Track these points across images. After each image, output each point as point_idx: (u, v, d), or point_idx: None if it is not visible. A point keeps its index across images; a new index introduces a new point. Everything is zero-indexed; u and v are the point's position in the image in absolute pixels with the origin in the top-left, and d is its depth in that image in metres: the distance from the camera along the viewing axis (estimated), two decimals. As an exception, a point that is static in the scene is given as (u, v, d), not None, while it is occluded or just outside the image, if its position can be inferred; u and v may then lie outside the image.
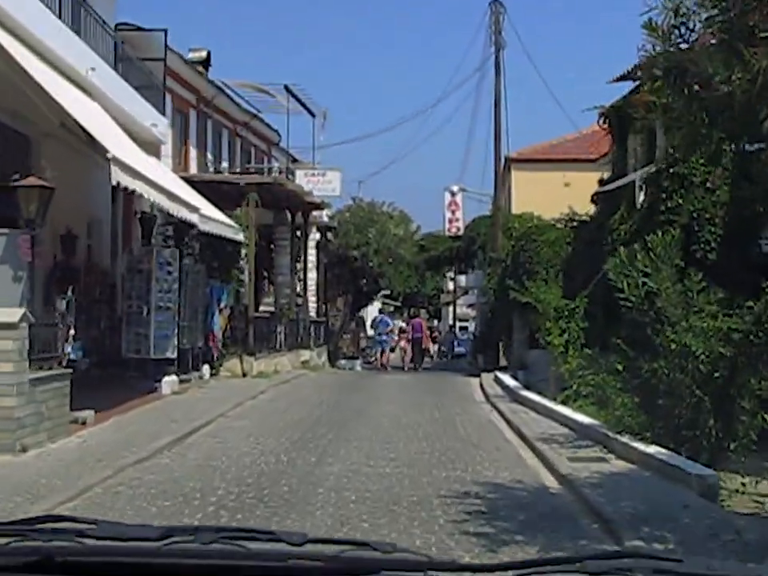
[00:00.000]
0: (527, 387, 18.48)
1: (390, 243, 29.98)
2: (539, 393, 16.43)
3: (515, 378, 20.75)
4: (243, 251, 20.05)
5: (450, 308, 72.64)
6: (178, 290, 16.93)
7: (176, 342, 16.29)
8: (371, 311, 47.67)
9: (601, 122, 22.03)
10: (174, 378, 15.83)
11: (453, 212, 37.32)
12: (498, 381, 19.33)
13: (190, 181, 19.27)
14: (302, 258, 26.78)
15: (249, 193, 19.99)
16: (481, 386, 19.62)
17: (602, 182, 21.30)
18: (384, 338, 32.59)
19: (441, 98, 54.62)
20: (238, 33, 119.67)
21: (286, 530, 2.14)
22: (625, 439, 9.58)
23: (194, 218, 14.89)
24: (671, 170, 13.01)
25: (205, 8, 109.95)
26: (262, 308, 26.10)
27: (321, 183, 26.32)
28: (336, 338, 31.53)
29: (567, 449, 10.13)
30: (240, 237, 19.07)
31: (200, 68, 26.03)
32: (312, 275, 28.31)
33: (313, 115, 29.90)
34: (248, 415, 13.24)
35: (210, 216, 16.71)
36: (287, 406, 14.68)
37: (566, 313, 14.96)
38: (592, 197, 20.12)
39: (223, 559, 1.66)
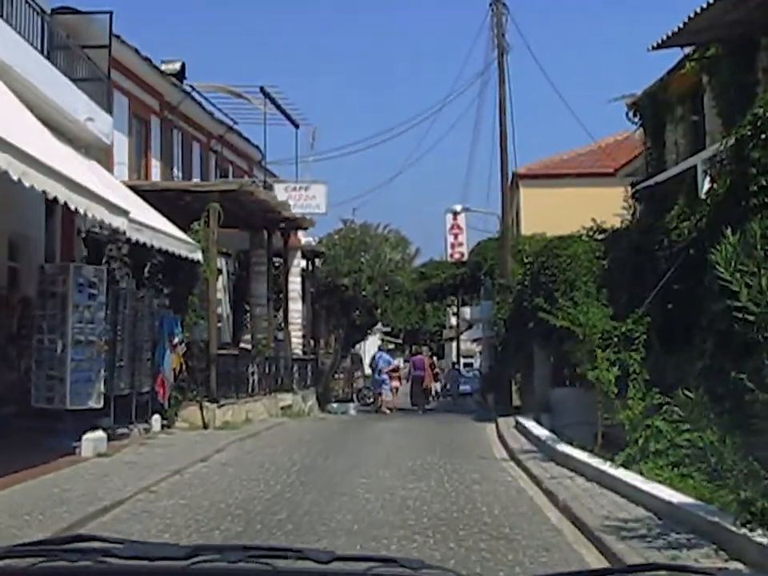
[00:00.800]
0: (553, 433, 14.72)
1: (386, 269, 26.29)
2: (571, 443, 12.69)
3: (538, 422, 16.97)
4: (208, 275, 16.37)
5: (454, 344, 68.74)
6: (110, 319, 13.23)
7: (102, 388, 12.52)
8: (369, 347, 43.82)
9: (630, 115, 18.52)
10: (100, 434, 12.03)
11: (455, 236, 33.69)
12: (520, 429, 15.50)
13: (138, 190, 15.67)
14: (284, 286, 23.11)
15: (210, 203, 16.35)
16: (499, 435, 15.79)
17: (633, 186, 17.69)
18: (384, 377, 28.80)
19: (438, 110, 50.17)
20: (212, 43, 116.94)
21: (314, 548, 2.03)
22: (759, 536, 5.81)
23: (118, 222, 11.19)
24: (764, 135, 9.32)
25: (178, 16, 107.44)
26: (242, 345, 22.46)
27: (303, 199, 22.74)
28: (326, 379, 27.71)
29: (657, 548, 6.37)
30: (197, 256, 15.39)
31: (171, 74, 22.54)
32: (296, 306, 24.57)
33: (296, 126, 26.39)
34: (179, 493, 9.41)
35: (148, 224, 13.05)
36: (241, 473, 10.84)
37: (617, 339, 11.22)
38: (633, 194, 16.49)
39: None
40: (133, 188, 15.79)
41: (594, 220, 18.00)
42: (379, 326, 46.16)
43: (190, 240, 15.42)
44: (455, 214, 33.30)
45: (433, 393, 34.37)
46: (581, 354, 11.39)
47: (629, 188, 17.87)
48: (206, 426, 15.98)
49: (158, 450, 13.03)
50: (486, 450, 13.66)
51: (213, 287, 16.48)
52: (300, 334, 24.89)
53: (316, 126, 27.11)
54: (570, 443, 12.91)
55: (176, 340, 15.59)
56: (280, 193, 21.88)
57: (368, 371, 35.86)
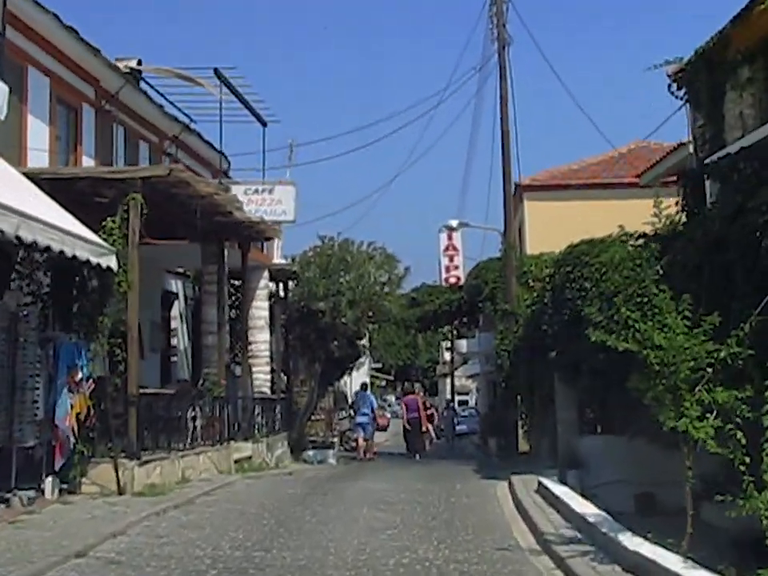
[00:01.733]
0: (583, 496, 10.68)
1: (371, 292, 22.23)
2: (610, 513, 8.75)
3: (563, 481, 12.90)
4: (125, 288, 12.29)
5: (447, 380, 64.53)
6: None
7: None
8: (355, 383, 39.56)
9: (674, 87, 14.65)
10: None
11: (450, 258, 29.76)
12: (547, 495, 11.34)
13: (35, 179, 11.72)
14: (244, 310, 19.04)
15: (130, 194, 12.34)
16: (517, 503, 11.64)
17: (686, 174, 13.78)
18: (364, 420, 24.71)
19: (434, 107, 45.24)
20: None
21: None
22: None
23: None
24: None
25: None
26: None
27: (267, 204, 18.80)
28: (301, 422, 23.53)
29: None
30: (108, 262, 11.36)
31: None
32: (263, 336, 20.49)
33: (263, 123, 22.49)
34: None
35: (29, 215, 9.06)
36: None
37: (710, 369, 7.21)
38: (685, 181, 12.54)
39: None
40: (28, 176, 11.83)
41: (621, 227, 14.05)
42: (365, 360, 41.88)
43: (99, 241, 11.41)
44: (450, 230, 29.38)
45: (431, 437, 30.15)
46: (655, 392, 7.33)
47: (658, 197, 13.70)
48: (121, 491, 11.83)
49: (27, 533, 8.91)
50: (504, 532, 9.49)
51: (133, 304, 12.39)
52: (267, 368, 20.78)
53: (293, 139, 23.27)
54: (609, 512, 8.92)
55: (79, 375, 11.50)
56: (239, 196, 17.87)
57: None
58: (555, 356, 14.44)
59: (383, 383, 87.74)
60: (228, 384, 16.97)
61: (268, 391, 20.67)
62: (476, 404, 66.43)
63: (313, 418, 25.05)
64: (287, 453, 20.85)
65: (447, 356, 75.67)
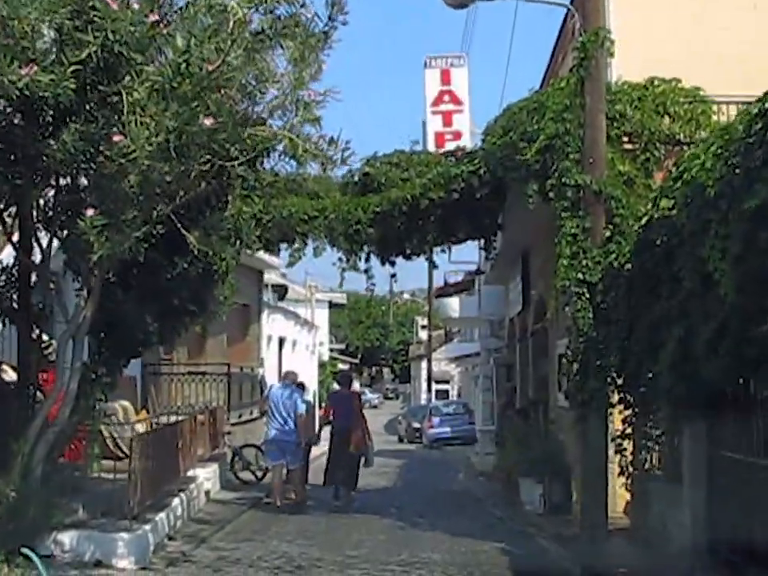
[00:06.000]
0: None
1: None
2: None
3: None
4: None
5: (423, 364, 50.27)
6: None
7: None
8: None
9: None
10: None
11: (446, 115, 15.12)
12: None
13: None
14: None
15: None
16: None
17: None
18: (276, 436, 13.08)
19: None
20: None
21: None
22: None
23: None
24: None
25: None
26: None
27: None
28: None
29: None
30: None
31: None
32: None
33: None
34: None
35: None
36: None
37: None
38: None
39: None
40: None
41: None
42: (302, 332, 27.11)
43: None
44: (446, 64, 14.69)
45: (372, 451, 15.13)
46: None
47: None
48: None
49: None
50: None
51: None
52: None
53: None
54: None
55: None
56: None
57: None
58: None
59: (345, 366, 72.92)
60: None
61: None
62: (458, 395, 52.03)
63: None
64: None
65: (423, 335, 61.42)
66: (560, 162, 10.60)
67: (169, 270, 8.47)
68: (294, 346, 30.65)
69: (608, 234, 10.23)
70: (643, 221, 8.64)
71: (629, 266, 9.22)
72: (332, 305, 57.36)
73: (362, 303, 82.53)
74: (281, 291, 38.14)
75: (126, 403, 14.00)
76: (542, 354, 15.58)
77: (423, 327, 61.36)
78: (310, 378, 30.32)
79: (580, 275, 9.98)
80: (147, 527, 8.81)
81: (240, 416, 19.25)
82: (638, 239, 8.86)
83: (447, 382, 53.94)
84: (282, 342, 28.32)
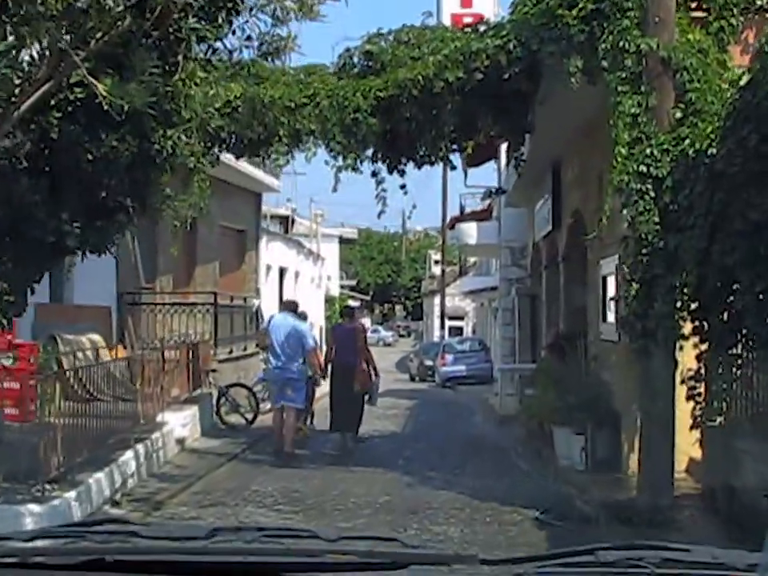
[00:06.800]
0: None
1: None
2: None
3: None
4: None
5: (436, 300, 48.00)
6: None
7: None
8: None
9: None
10: None
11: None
12: None
13: None
14: None
15: None
16: None
17: None
18: (278, 375, 11.36)
19: None
20: None
21: (322, 528, 2.27)
22: None
23: None
24: None
25: None
26: None
27: None
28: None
29: None
30: None
31: None
32: None
33: None
34: None
35: None
36: None
37: None
38: None
39: (264, 555, 1.77)
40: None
41: None
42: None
43: None
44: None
45: (377, 390, 13.12)
46: None
47: None
48: None
49: None
50: None
51: None
52: None
53: None
54: None
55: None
56: None
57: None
58: None
59: (356, 303, 70.78)
60: None
61: None
62: (473, 332, 49.90)
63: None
64: None
65: (436, 270, 59.06)
66: (615, 22, 8.16)
67: (91, 150, 6.14)
68: (297, 278, 28.38)
69: (679, 114, 7.82)
70: (743, 80, 6.24)
71: (712, 151, 6.85)
72: (342, 240, 55.04)
73: (373, 239, 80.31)
74: (285, 222, 35.76)
75: (97, 337, 11.94)
76: (576, 280, 13.27)
77: (436, 262, 59.07)
78: (315, 312, 28.17)
79: (643, 167, 7.61)
80: (71, 494, 6.66)
81: (230, 352, 17.11)
82: (731, 110, 6.46)
83: (461, 318, 51.77)
84: (282, 272, 26.05)
